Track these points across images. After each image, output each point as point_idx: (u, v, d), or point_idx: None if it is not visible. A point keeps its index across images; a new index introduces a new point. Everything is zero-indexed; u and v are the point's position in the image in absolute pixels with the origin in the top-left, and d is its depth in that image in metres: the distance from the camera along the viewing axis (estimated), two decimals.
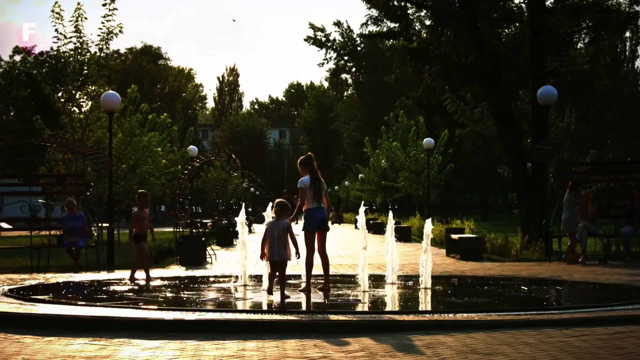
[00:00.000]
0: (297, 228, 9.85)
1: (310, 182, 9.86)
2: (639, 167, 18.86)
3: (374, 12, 27.60)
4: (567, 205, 15.60)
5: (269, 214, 10.71)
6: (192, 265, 15.46)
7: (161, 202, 61.79)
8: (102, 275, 13.36)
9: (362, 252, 10.31)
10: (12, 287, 10.76)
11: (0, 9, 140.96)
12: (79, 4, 21.47)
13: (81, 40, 21.93)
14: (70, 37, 21.81)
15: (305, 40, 69.47)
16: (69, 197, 15.77)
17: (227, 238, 24.15)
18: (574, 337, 6.55)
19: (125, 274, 13.46)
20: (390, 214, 11.61)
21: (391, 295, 10.19)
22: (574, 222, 15.49)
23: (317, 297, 9.63)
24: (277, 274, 9.39)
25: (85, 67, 22.37)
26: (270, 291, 9.43)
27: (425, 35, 24.86)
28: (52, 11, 21.22)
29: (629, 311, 7.95)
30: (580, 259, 15.39)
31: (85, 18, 21.61)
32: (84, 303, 8.89)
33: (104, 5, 21.30)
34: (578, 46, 27.10)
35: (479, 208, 65.07)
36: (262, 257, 9.52)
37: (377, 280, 11.68)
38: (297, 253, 9.42)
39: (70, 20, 21.54)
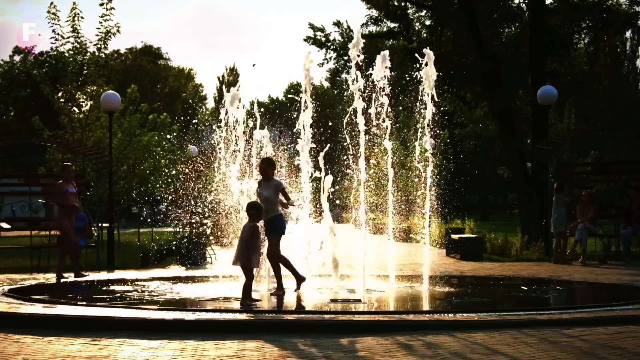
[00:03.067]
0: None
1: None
2: (639, 167, 18.89)
3: (374, 13, 27.54)
4: (555, 205, 15.76)
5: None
6: (192, 265, 15.45)
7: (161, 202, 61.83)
8: (102, 275, 13.35)
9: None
10: (12, 287, 10.77)
11: (0, 9, 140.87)
12: (74, 3, 21.47)
13: (79, 41, 21.93)
14: (68, 37, 21.84)
15: (305, 40, 69.22)
16: None
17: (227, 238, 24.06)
18: (574, 337, 6.55)
19: (124, 274, 13.47)
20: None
21: (391, 295, 10.18)
22: (562, 222, 15.58)
23: (317, 297, 9.62)
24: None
25: (85, 68, 22.36)
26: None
27: (425, 35, 24.85)
28: (48, 12, 21.24)
29: (629, 311, 7.95)
30: (580, 259, 15.41)
31: (82, 18, 21.63)
32: (84, 303, 8.89)
33: (101, 5, 21.29)
34: (578, 46, 27.12)
35: (479, 208, 64.99)
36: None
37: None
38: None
39: (67, 21, 21.56)
